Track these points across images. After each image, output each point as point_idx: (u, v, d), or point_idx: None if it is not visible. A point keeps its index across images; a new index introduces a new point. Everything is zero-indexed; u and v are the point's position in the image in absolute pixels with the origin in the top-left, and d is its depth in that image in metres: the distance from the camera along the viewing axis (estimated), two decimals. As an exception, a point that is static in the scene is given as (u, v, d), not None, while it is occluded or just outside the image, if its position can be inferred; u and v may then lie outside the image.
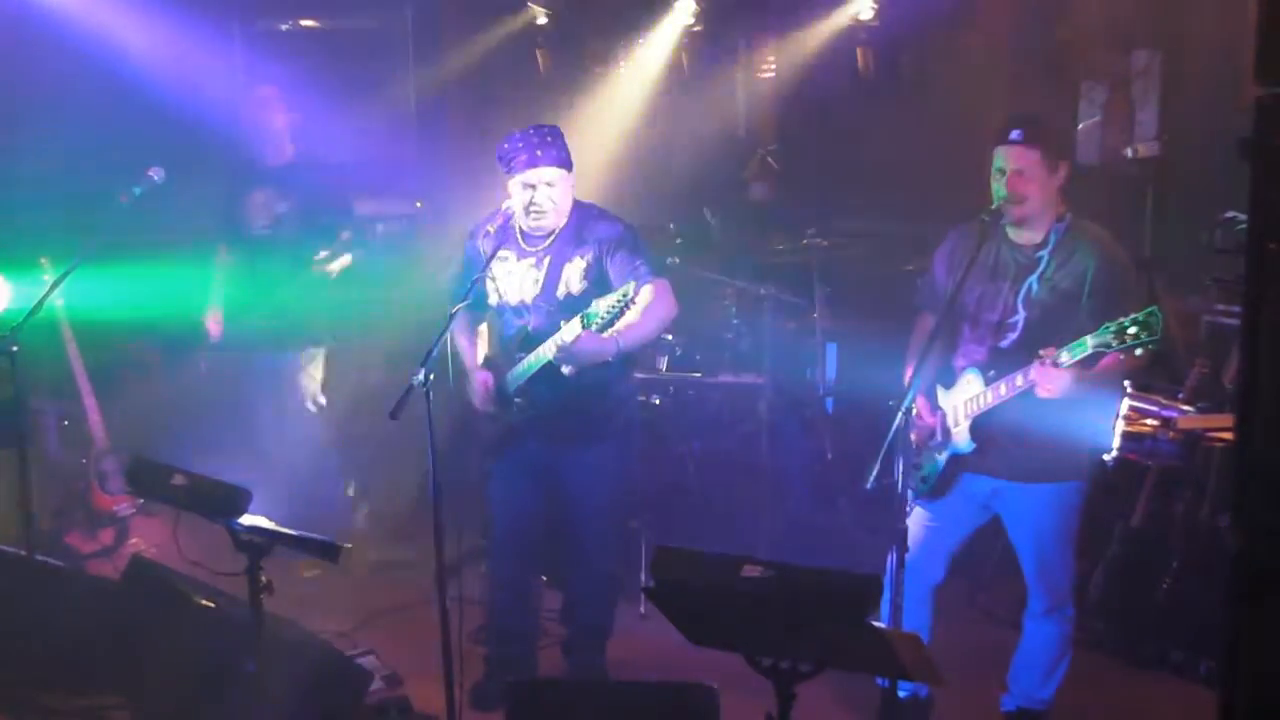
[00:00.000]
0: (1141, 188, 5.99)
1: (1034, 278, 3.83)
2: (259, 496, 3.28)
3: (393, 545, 5.83)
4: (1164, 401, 4.81)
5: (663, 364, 6.00)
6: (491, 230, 4.19)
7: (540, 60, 7.65)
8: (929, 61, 7.30)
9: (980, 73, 6.76)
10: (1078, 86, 6.75)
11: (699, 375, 5.96)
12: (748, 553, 2.63)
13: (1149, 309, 3.40)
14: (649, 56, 7.58)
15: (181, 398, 6.29)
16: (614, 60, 7.70)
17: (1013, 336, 3.85)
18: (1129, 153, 6.02)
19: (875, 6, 7.10)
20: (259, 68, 6.88)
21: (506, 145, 4.13)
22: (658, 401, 5.82)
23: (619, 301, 3.77)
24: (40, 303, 4.37)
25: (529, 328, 4.20)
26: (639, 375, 5.77)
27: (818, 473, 5.95)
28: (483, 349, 4.45)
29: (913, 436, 3.94)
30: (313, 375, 5.77)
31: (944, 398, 3.99)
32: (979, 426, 3.84)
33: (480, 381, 4.30)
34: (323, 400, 5.80)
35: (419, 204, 7.41)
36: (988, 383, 3.81)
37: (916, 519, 3.98)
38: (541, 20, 7.56)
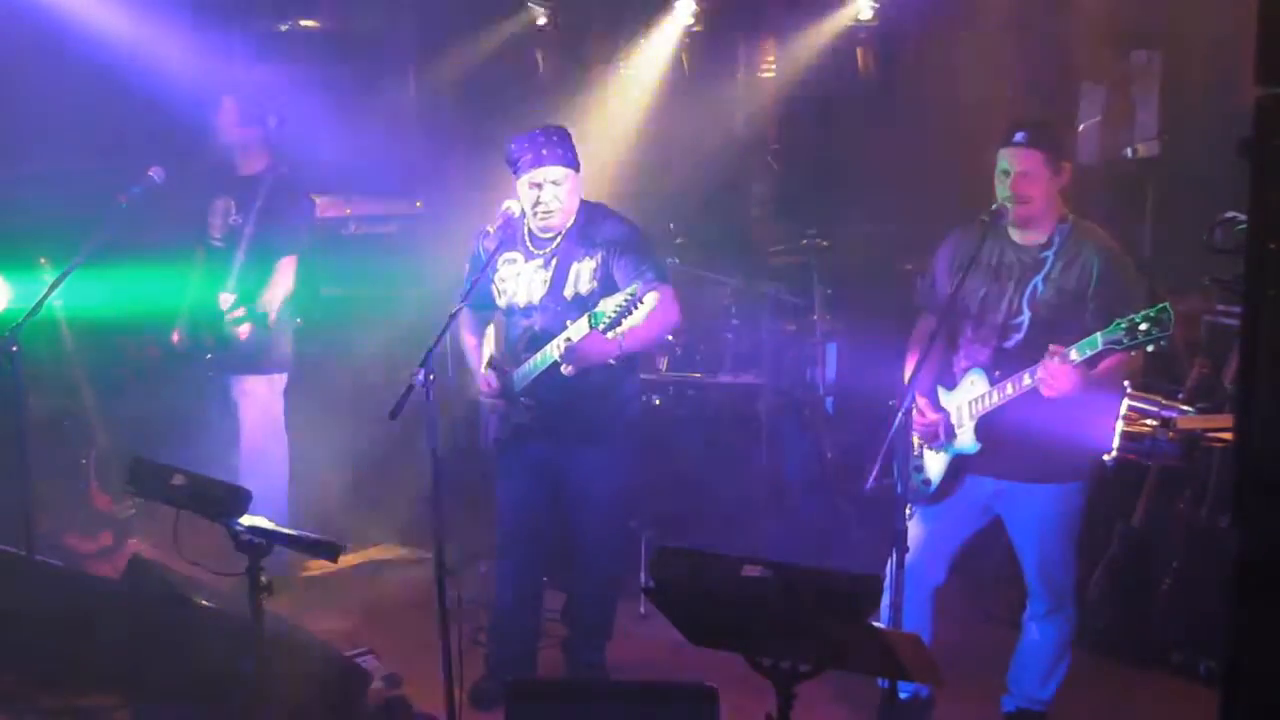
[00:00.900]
0: (1141, 188, 5.99)
1: (1039, 278, 3.83)
2: None
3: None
4: (1164, 401, 4.81)
5: (663, 364, 6.00)
6: (491, 231, 4.19)
7: (540, 60, 7.66)
8: (929, 61, 7.29)
9: (980, 73, 6.76)
10: (1078, 86, 6.75)
11: (699, 375, 5.96)
12: (748, 553, 2.63)
13: (1161, 305, 3.41)
14: (649, 57, 7.58)
15: (178, 401, 6.28)
16: (614, 61, 7.70)
17: (1018, 337, 3.85)
18: (1129, 153, 6.02)
19: (875, 6, 7.10)
20: (259, 68, 6.87)
21: (513, 146, 4.15)
22: (658, 401, 5.83)
23: (625, 301, 3.79)
24: (40, 303, 4.37)
25: (535, 328, 4.21)
26: (639, 376, 5.79)
27: (818, 473, 5.95)
28: (489, 350, 4.46)
29: (914, 438, 3.95)
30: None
31: (945, 399, 3.98)
32: (984, 427, 3.84)
33: (484, 382, 4.31)
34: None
35: (419, 204, 7.41)
36: (993, 382, 3.81)
37: (917, 521, 3.98)
38: (541, 20, 7.57)
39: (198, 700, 3.92)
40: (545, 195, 4.12)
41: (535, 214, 4.15)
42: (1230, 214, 4.38)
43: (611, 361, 4.11)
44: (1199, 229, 4.74)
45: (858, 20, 7.17)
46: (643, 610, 4.92)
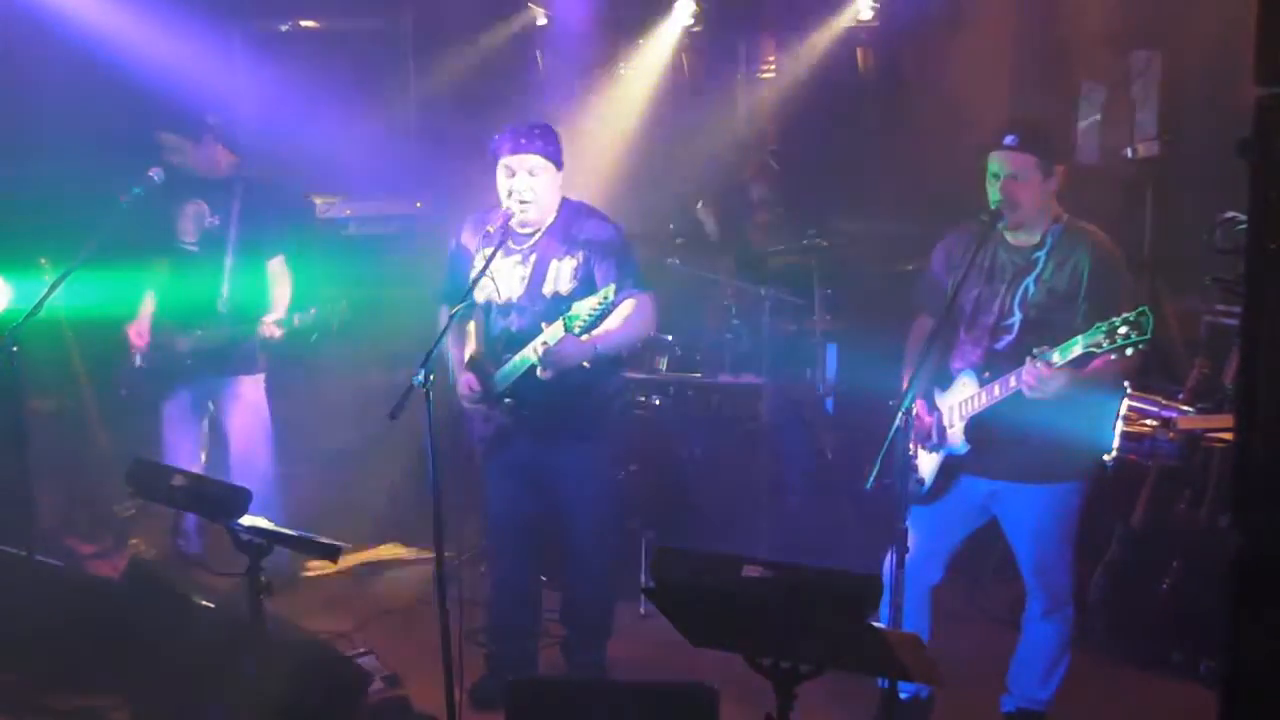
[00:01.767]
0: (1141, 188, 5.99)
1: (1030, 279, 3.83)
2: None
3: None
4: (1164, 401, 4.81)
5: (663, 364, 6.00)
6: (491, 230, 4.16)
7: (540, 61, 7.66)
8: (929, 61, 7.30)
9: (980, 73, 6.76)
10: (1078, 86, 6.76)
11: (699, 376, 5.96)
12: (748, 553, 2.63)
13: (1139, 309, 3.42)
14: (649, 57, 7.58)
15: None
16: (614, 61, 7.70)
17: (1008, 338, 3.85)
18: (1129, 153, 6.03)
19: (875, 7, 7.10)
20: (259, 68, 6.88)
21: (496, 136, 4.13)
22: (658, 402, 5.82)
23: (600, 304, 3.78)
24: (40, 303, 4.36)
25: (513, 327, 4.18)
26: (639, 376, 5.80)
27: (818, 473, 5.95)
28: (470, 347, 4.42)
29: (911, 439, 3.95)
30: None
31: (940, 400, 3.99)
32: (973, 427, 3.85)
33: (465, 382, 4.28)
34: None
35: (419, 204, 7.41)
36: (982, 384, 3.82)
37: (914, 521, 3.97)
38: (541, 21, 7.57)
39: (198, 700, 3.92)
40: (518, 184, 4.07)
41: (511, 202, 4.09)
42: (1230, 214, 4.38)
43: (585, 364, 4.10)
44: (1199, 229, 4.74)
45: (858, 20, 7.17)
46: (643, 610, 4.92)
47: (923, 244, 4.28)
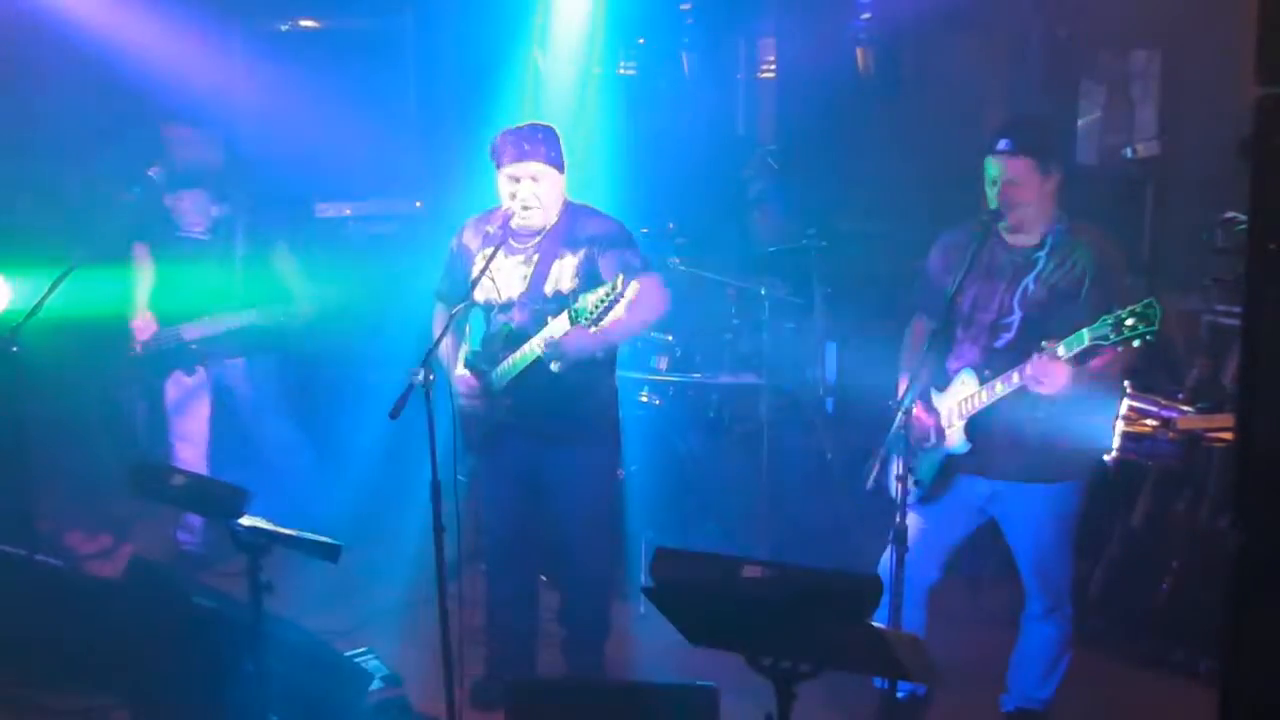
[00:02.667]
0: (1141, 188, 5.99)
1: (1030, 278, 3.83)
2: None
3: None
4: (1164, 401, 4.81)
5: (663, 364, 6.00)
6: (491, 230, 4.17)
7: (540, 60, 7.65)
8: (929, 61, 7.30)
9: (980, 73, 6.76)
10: (1078, 86, 6.75)
11: (699, 375, 5.96)
12: (748, 553, 2.63)
13: (1146, 300, 3.42)
14: (648, 56, 7.58)
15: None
16: (613, 60, 7.69)
17: (1008, 336, 3.85)
18: (1129, 153, 6.02)
19: (875, 6, 7.09)
20: (259, 68, 6.88)
21: (497, 140, 4.12)
22: (658, 402, 5.82)
23: (607, 296, 3.76)
24: (40, 303, 4.37)
25: (513, 325, 4.17)
26: (639, 376, 5.80)
27: (818, 473, 5.95)
28: (465, 346, 4.40)
29: (910, 440, 3.95)
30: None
31: (938, 400, 3.99)
32: (974, 426, 3.85)
33: (462, 382, 4.26)
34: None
35: (419, 204, 7.41)
36: (982, 382, 3.81)
37: (912, 522, 3.97)
38: (541, 20, 7.56)
39: (198, 700, 3.92)
40: (523, 191, 4.08)
41: (514, 209, 4.10)
42: (1230, 214, 4.39)
43: (598, 355, 4.10)
44: (1199, 229, 4.75)
45: (858, 20, 7.16)
46: (643, 610, 4.92)
47: (923, 244, 4.27)
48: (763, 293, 5.83)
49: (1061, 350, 3.53)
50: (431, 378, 3.50)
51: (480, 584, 4.71)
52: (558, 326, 3.92)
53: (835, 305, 6.20)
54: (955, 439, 3.89)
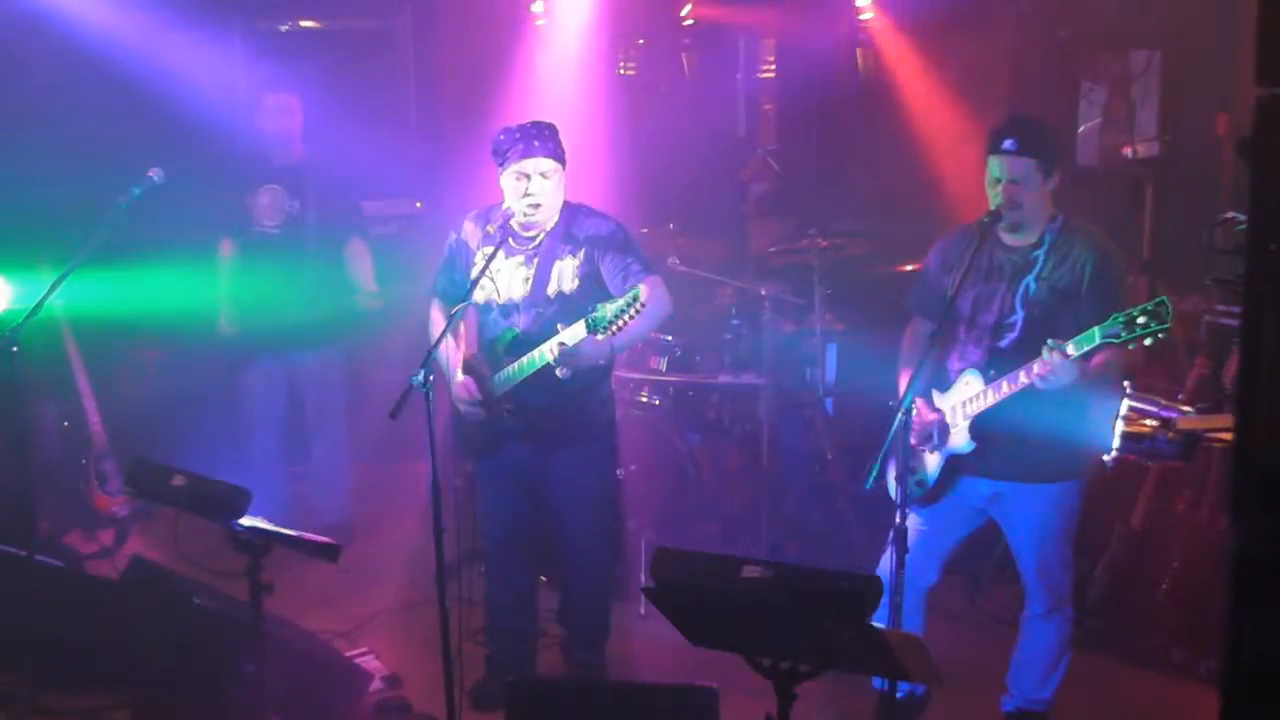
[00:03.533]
0: (1141, 188, 5.99)
1: (1030, 277, 3.83)
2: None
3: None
4: (1164, 401, 4.79)
5: (663, 364, 6.00)
6: (491, 230, 4.16)
7: (540, 60, 7.65)
8: (929, 62, 7.30)
9: (980, 73, 6.76)
10: (1078, 86, 6.76)
11: (699, 376, 5.96)
12: (748, 553, 2.63)
13: (1159, 299, 3.41)
14: (648, 56, 7.58)
15: (182, 398, 6.28)
16: (613, 60, 7.69)
17: (1012, 336, 3.85)
18: (1129, 153, 6.02)
19: (875, 6, 7.10)
20: (259, 68, 6.88)
21: (502, 137, 4.09)
22: (658, 402, 5.82)
23: (627, 306, 3.72)
24: (40, 303, 4.36)
25: (518, 329, 4.15)
26: (639, 376, 5.80)
27: (818, 473, 5.94)
28: (463, 349, 4.35)
29: (911, 440, 3.94)
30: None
31: (940, 400, 3.98)
32: (978, 426, 3.84)
33: (463, 388, 4.23)
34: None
35: (419, 204, 7.41)
36: (988, 381, 3.81)
37: (911, 523, 3.97)
38: (541, 21, 7.56)
39: (198, 700, 3.92)
40: (533, 186, 4.06)
41: (522, 207, 4.09)
42: (1230, 214, 4.38)
43: (602, 362, 4.10)
44: (1199, 229, 4.74)
45: (858, 20, 7.17)
46: (643, 610, 4.92)
47: (923, 244, 4.28)
48: (763, 293, 5.83)
49: (1071, 349, 3.53)
50: (430, 378, 3.50)
51: (480, 584, 4.71)
52: (572, 334, 3.89)
53: (835, 305, 6.20)
54: (960, 439, 3.89)
